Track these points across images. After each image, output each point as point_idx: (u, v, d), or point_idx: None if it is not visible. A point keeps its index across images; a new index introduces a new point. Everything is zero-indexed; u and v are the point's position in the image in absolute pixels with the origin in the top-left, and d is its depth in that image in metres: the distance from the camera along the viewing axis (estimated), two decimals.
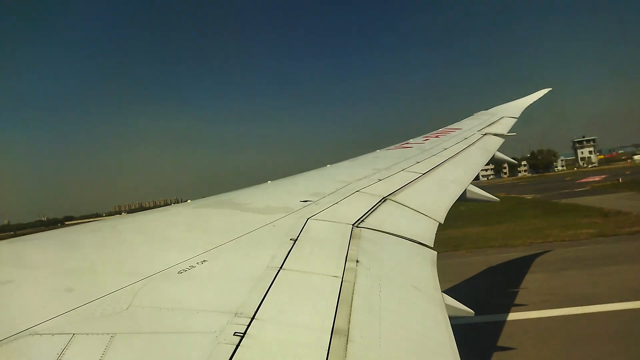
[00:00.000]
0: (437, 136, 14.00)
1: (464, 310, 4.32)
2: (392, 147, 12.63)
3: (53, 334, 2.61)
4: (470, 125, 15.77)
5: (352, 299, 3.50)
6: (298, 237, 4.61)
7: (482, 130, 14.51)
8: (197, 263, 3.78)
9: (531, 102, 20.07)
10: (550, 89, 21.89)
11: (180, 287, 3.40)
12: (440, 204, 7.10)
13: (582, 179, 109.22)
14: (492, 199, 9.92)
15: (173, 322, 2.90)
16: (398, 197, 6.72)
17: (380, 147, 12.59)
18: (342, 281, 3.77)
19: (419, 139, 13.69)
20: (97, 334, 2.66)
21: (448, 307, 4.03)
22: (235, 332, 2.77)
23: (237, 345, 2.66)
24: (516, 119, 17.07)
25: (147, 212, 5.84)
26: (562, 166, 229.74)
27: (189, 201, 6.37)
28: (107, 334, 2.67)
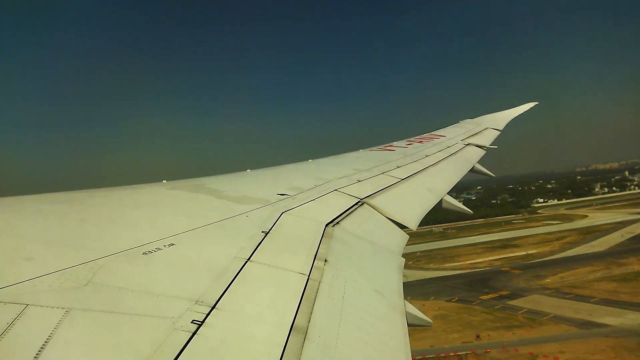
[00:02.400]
0: (420, 141, 14.09)
1: (423, 320, 4.39)
2: (375, 148, 12.67)
3: (5, 303, 2.55)
4: (454, 133, 15.91)
5: (315, 298, 3.52)
6: (270, 230, 4.60)
7: (465, 140, 14.68)
8: (164, 246, 3.74)
9: (516, 115, 20.27)
10: (537, 103, 22.18)
11: (143, 268, 3.36)
12: (414, 211, 7.17)
13: None
14: (467, 211, 10.07)
15: (131, 304, 2.86)
16: (375, 201, 6.76)
17: (364, 145, 12.63)
18: (308, 279, 3.79)
19: (403, 143, 13.76)
20: (52, 307, 2.61)
21: (408, 314, 4.09)
22: (193, 320, 2.76)
23: (194, 334, 2.64)
24: (500, 132, 17.29)
25: (118, 189, 5.73)
26: None
27: (164, 181, 6.27)
28: (63, 308, 2.62)
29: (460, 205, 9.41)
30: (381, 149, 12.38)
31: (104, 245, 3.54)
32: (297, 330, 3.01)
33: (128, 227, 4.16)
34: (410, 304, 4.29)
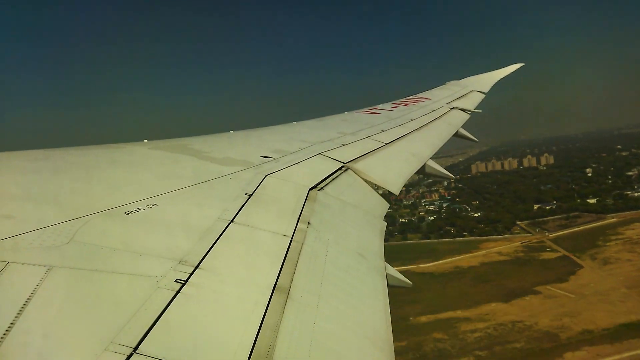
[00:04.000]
0: (406, 104, 14.01)
1: (403, 281, 4.52)
2: (360, 110, 12.55)
3: None
4: (439, 96, 15.81)
5: (298, 259, 3.58)
6: (254, 192, 4.60)
7: (451, 104, 14.61)
8: (147, 206, 3.71)
9: (502, 76, 20.03)
10: (523, 64, 21.89)
11: (125, 228, 3.35)
12: (398, 176, 7.23)
13: None
14: (449, 175, 10.20)
15: (114, 262, 2.87)
16: (359, 165, 6.78)
17: (351, 107, 12.51)
18: (291, 241, 3.83)
19: (388, 106, 13.66)
20: (33, 265, 2.60)
21: (389, 276, 4.20)
22: (177, 279, 2.79)
23: (177, 292, 2.68)
24: (485, 95, 17.21)
25: (98, 147, 5.61)
26: None
27: (145, 141, 6.15)
28: (44, 266, 2.61)
29: (444, 170, 9.52)
30: (367, 112, 12.30)
31: (85, 204, 3.51)
32: (279, 290, 3.07)
33: (109, 187, 4.11)
34: (390, 266, 4.39)
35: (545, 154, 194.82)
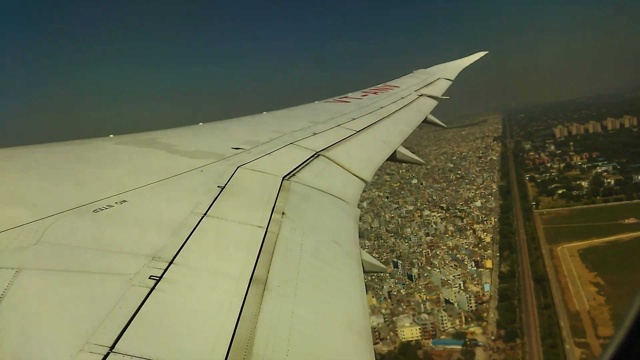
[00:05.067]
0: (375, 92, 14.11)
1: (378, 266, 4.58)
2: (330, 99, 12.58)
3: None
4: (408, 83, 16.00)
5: (273, 250, 3.58)
6: (226, 184, 4.56)
7: (419, 91, 14.82)
8: (116, 202, 3.63)
9: (467, 64, 20.62)
10: (487, 52, 22.55)
11: (95, 226, 3.27)
12: (369, 163, 7.29)
13: None
14: (420, 161, 10.36)
15: (85, 262, 2.80)
16: (331, 153, 6.80)
17: (320, 97, 12.50)
18: (266, 232, 3.82)
19: (358, 94, 13.73)
20: (1, 268, 2.53)
21: (364, 262, 4.25)
22: (151, 276, 2.75)
23: (152, 289, 2.64)
24: (451, 81, 17.59)
25: (62, 144, 5.42)
26: None
27: (111, 136, 5.99)
28: (12, 268, 2.53)
29: (414, 156, 9.65)
30: (337, 101, 12.33)
31: (53, 203, 3.41)
32: (256, 281, 3.07)
33: (77, 184, 4.00)
34: (365, 252, 4.45)
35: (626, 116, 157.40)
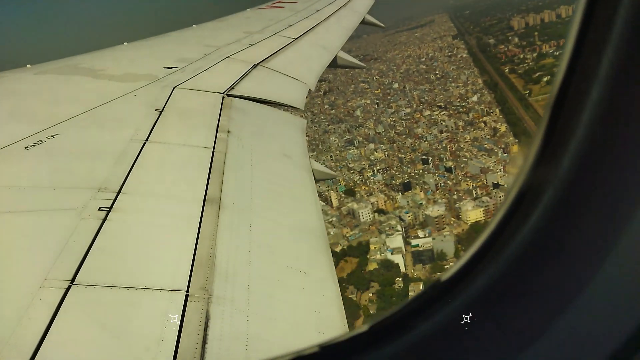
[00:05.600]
0: None
1: (328, 174, 4.72)
2: (263, 6, 11.90)
3: None
4: None
5: (223, 169, 3.56)
6: (164, 107, 4.36)
7: None
8: (47, 137, 3.41)
9: None
10: None
11: (29, 163, 3.09)
12: (311, 69, 7.14)
13: None
14: (360, 65, 10.26)
15: (26, 201, 2.69)
16: (270, 64, 6.57)
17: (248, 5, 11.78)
18: (213, 152, 3.77)
19: None
20: None
21: (315, 171, 4.35)
22: (100, 207, 2.69)
23: (104, 220, 2.60)
24: None
25: None
26: None
27: (28, 66, 5.44)
28: None
29: (355, 60, 9.53)
30: (270, 7, 11.67)
31: None
32: (210, 201, 3.08)
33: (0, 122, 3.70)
34: (315, 162, 4.53)
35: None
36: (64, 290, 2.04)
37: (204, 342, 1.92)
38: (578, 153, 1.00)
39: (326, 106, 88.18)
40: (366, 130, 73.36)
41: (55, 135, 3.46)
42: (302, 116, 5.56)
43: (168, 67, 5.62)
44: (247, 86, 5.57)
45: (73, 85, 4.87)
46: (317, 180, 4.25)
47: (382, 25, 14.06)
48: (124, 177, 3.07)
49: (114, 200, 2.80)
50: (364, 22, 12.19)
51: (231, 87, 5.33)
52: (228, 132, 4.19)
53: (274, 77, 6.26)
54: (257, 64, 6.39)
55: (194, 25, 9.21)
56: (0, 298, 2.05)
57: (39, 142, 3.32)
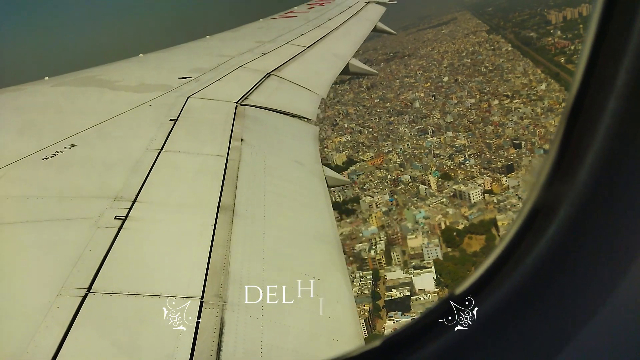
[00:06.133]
0: (321, 4, 13.54)
1: (342, 180, 4.71)
2: (276, 16, 12.02)
3: None
4: None
5: (237, 177, 3.58)
6: (178, 117, 4.41)
7: None
8: (65, 148, 3.48)
9: None
10: None
11: (47, 174, 3.15)
12: (323, 78, 7.17)
13: None
14: (373, 72, 10.26)
15: (45, 211, 2.74)
16: (282, 72, 6.61)
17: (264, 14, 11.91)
18: (227, 160, 3.79)
19: (304, 7, 13.15)
20: None
21: (328, 177, 4.35)
22: (116, 216, 2.72)
23: (120, 228, 2.63)
24: None
25: None
26: None
27: (46, 78, 5.58)
28: None
29: (367, 67, 9.55)
30: (283, 17, 11.78)
31: None
32: (224, 209, 3.10)
33: (19, 134, 3.79)
34: (328, 168, 4.53)
35: None
36: (80, 299, 2.07)
37: (219, 348, 1.92)
38: (594, 167, 0.97)
39: (376, 100, 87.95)
40: (434, 120, 72.80)
41: (73, 145, 3.53)
42: (314, 124, 5.57)
43: (182, 77, 5.70)
44: (259, 95, 5.62)
45: (89, 96, 4.97)
46: (329, 187, 4.24)
47: (393, 32, 14.08)
48: (140, 186, 3.11)
49: (130, 209, 2.83)
50: (375, 29, 12.23)
51: (244, 96, 5.37)
52: (241, 140, 4.21)
53: (287, 87, 6.30)
54: (270, 72, 6.44)
55: (207, 36, 9.34)
56: (18, 306, 2.08)
57: (56, 153, 3.38)
